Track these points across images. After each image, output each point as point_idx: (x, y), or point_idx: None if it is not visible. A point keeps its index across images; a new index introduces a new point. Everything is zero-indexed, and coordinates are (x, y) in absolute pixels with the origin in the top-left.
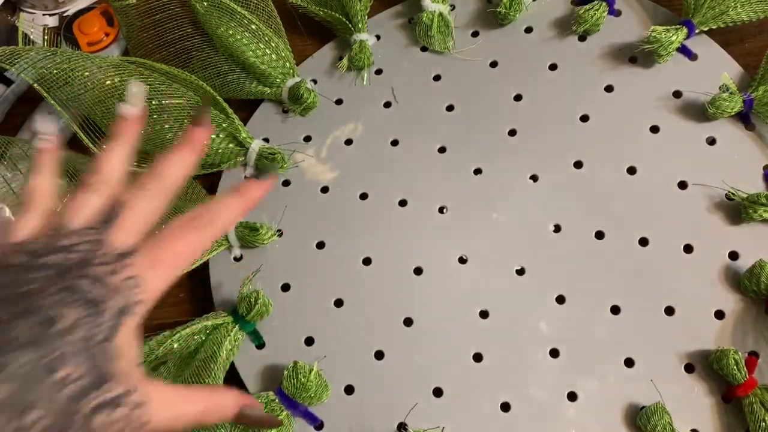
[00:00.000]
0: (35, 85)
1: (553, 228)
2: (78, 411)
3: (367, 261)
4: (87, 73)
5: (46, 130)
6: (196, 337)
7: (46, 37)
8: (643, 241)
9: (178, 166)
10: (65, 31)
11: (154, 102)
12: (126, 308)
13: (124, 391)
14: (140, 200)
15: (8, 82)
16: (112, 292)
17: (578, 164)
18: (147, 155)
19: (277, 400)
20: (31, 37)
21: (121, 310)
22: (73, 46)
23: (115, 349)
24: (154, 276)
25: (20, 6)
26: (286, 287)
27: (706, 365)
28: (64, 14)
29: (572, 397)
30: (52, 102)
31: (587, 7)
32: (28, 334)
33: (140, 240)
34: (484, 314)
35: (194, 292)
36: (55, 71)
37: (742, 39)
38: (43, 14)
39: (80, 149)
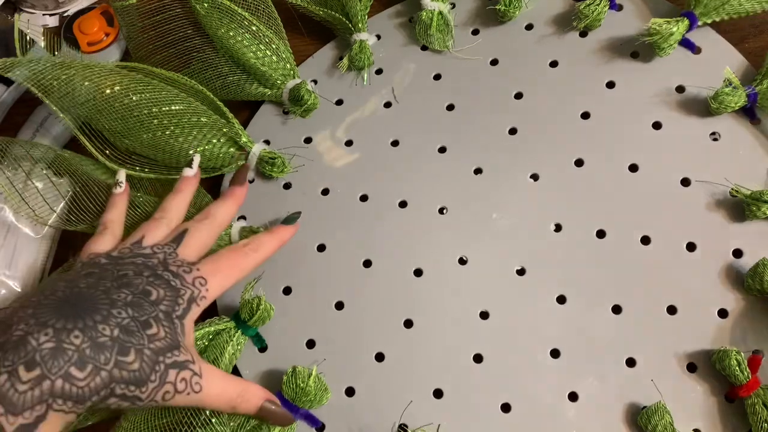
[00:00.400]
0: (37, 92)
1: (553, 227)
2: (159, 362)
3: (367, 263)
4: (87, 83)
5: (121, 179)
6: (199, 343)
7: (47, 36)
8: (645, 240)
9: (224, 210)
10: (65, 31)
11: (155, 109)
12: (195, 298)
13: (190, 358)
14: (199, 229)
15: (8, 83)
16: (187, 284)
17: (579, 162)
18: (152, 161)
19: None
20: (31, 37)
21: (192, 299)
22: (73, 47)
23: (185, 326)
24: (215, 281)
25: (20, 6)
26: (287, 290)
27: (708, 365)
28: (64, 14)
29: (573, 397)
30: (53, 108)
31: (588, 2)
32: (129, 299)
33: (201, 258)
34: (484, 315)
35: None
36: (55, 82)
37: (743, 39)
38: (43, 14)
39: (80, 150)
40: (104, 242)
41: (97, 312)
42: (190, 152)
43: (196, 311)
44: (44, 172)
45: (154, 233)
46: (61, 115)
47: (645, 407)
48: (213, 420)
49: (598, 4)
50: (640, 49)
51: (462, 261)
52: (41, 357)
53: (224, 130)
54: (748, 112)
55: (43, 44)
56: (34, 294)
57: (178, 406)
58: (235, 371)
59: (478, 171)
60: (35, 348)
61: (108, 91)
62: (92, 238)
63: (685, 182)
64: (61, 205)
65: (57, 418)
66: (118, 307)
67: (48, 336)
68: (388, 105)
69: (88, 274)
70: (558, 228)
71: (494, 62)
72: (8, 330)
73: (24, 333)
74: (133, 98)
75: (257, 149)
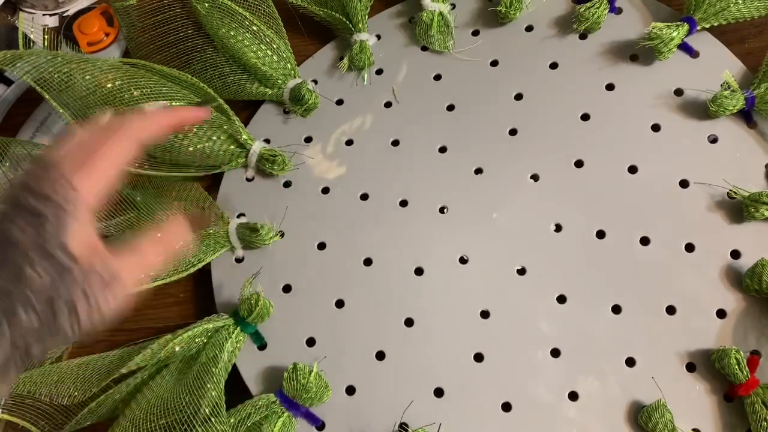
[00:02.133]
0: (37, 87)
1: (554, 227)
2: (56, 301)
3: (368, 261)
4: (88, 76)
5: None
6: (197, 340)
7: (46, 37)
8: (645, 240)
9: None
10: (65, 31)
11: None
12: (67, 213)
13: (91, 266)
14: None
15: (8, 83)
16: (50, 202)
17: (579, 163)
18: (151, 157)
19: (277, 402)
20: (31, 37)
21: (63, 214)
22: (73, 46)
23: (68, 244)
24: (87, 180)
25: (20, 6)
26: (287, 288)
27: (707, 364)
28: (64, 14)
29: (573, 396)
30: (52, 103)
31: (588, 5)
32: None
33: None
34: (485, 314)
35: (196, 293)
36: (56, 75)
37: (743, 39)
38: (43, 14)
39: None
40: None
41: None
42: (190, 149)
43: (75, 225)
44: None
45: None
46: (60, 110)
47: (645, 406)
48: (213, 419)
49: (598, 7)
50: (639, 53)
51: (463, 260)
52: None
53: (225, 127)
54: (746, 116)
55: (43, 44)
56: None
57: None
58: (235, 369)
59: (478, 171)
60: None
61: (109, 86)
62: None
63: (684, 184)
64: None
65: None
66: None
67: None
68: (388, 105)
69: None
70: (558, 228)
71: (494, 63)
72: None
73: None
74: (134, 93)
75: (257, 147)
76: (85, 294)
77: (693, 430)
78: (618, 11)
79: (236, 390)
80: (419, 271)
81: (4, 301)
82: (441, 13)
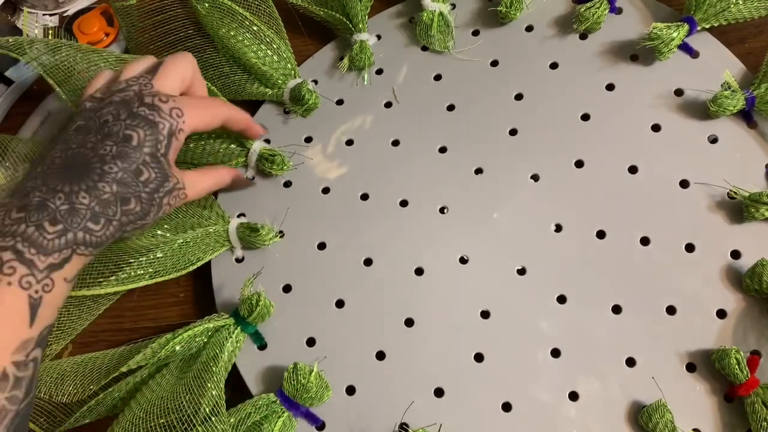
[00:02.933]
0: (44, 74)
1: (554, 228)
2: (155, 197)
3: (368, 261)
4: (93, 67)
5: None
6: (198, 339)
7: (47, 35)
8: (645, 241)
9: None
10: (65, 31)
11: None
12: (174, 131)
13: (177, 181)
14: (176, 61)
15: (8, 82)
16: (165, 116)
17: (579, 163)
18: None
19: (277, 402)
20: (32, 36)
21: (171, 132)
22: None
23: (170, 159)
24: (192, 113)
25: (20, 6)
26: (287, 288)
27: (707, 364)
28: (64, 14)
29: (573, 396)
30: (59, 90)
31: (588, 5)
32: (114, 150)
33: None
34: (485, 314)
35: (196, 293)
36: (61, 63)
37: (743, 39)
38: (43, 14)
39: None
40: (96, 83)
41: (92, 171)
42: (191, 145)
43: (176, 145)
44: None
45: (131, 69)
46: (68, 102)
47: (646, 406)
48: (213, 418)
49: (598, 7)
50: (639, 53)
51: (463, 260)
52: (61, 215)
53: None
54: (746, 116)
55: None
56: (39, 163)
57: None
58: (235, 369)
59: (478, 171)
60: (55, 209)
61: None
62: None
63: (684, 184)
64: None
65: (79, 260)
66: (108, 163)
67: (62, 200)
68: (388, 105)
69: (77, 129)
70: (558, 228)
71: (494, 63)
72: (26, 197)
73: (42, 198)
74: None
75: (257, 146)
76: (169, 197)
77: (693, 430)
78: (618, 11)
79: (236, 390)
80: (419, 271)
81: (123, 190)
82: (441, 13)
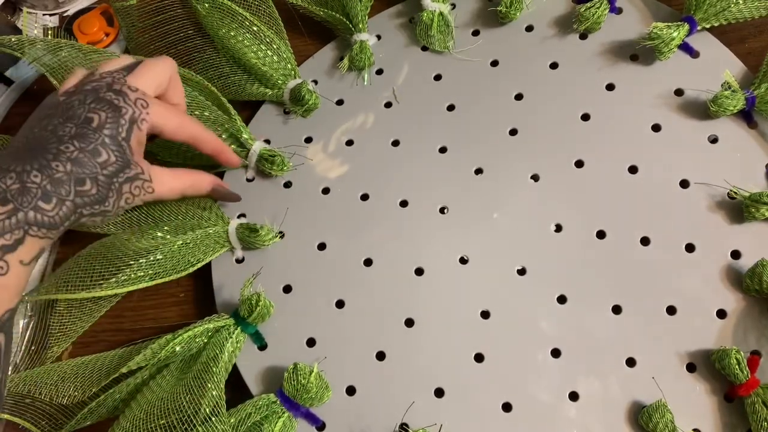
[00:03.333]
0: (46, 73)
1: (554, 228)
2: (114, 182)
3: (368, 262)
4: (90, 66)
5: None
6: (198, 340)
7: (47, 35)
8: (645, 241)
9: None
10: (65, 31)
11: None
12: (136, 119)
13: (140, 170)
14: (153, 62)
15: (8, 82)
16: (129, 102)
17: (579, 163)
18: (152, 154)
19: (278, 402)
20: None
21: (133, 119)
22: None
23: (132, 147)
24: (156, 109)
25: (20, 6)
26: (287, 288)
27: (707, 364)
28: (64, 14)
29: (573, 396)
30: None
31: (588, 4)
32: (73, 131)
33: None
34: (485, 314)
35: (196, 293)
36: (63, 64)
37: (743, 39)
38: (43, 14)
39: None
40: (70, 80)
41: (47, 151)
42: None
43: (139, 134)
44: None
45: (108, 64)
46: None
47: (646, 406)
48: (213, 419)
49: (598, 7)
50: (639, 52)
51: (463, 260)
52: (11, 195)
53: (226, 125)
54: (746, 116)
55: None
56: (2, 149)
57: (140, 204)
58: (235, 369)
59: (478, 171)
60: (5, 189)
61: None
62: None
63: (684, 184)
64: None
65: (34, 243)
66: (65, 142)
67: (12, 179)
68: (388, 105)
69: (44, 116)
70: (558, 228)
71: (494, 63)
72: None
73: None
74: None
75: (257, 147)
76: (131, 184)
77: (693, 430)
78: (618, 11)
79: (236, 390)
80: (419, 272)
81: (78, 170)
82: (441, 13)
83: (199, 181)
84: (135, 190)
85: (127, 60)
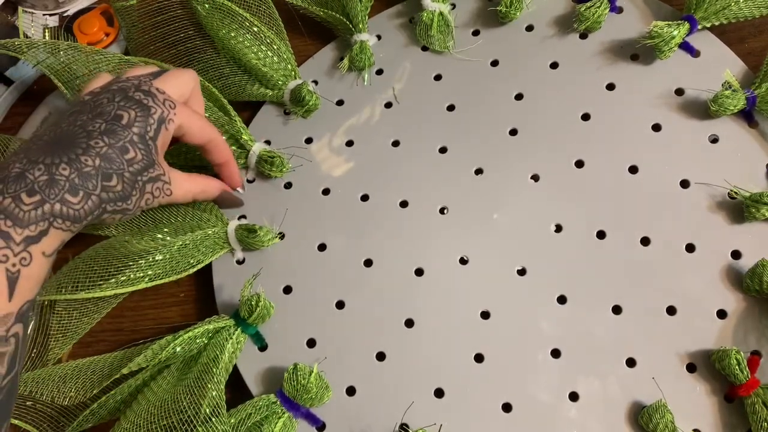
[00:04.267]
0: (50, 74)
1: (554, 228)
2: (138, 180)
3: (368, 262)
4: (93, 67)
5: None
6: (198, 341)
7: (47, 35)
8: (645, 241)
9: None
10: (65, 31)
11: None
12: (164, 119)
13: (162, 172)
14: (181, 73)
15: (9, 82)
16: (158, 102)
17: (579, 163)
18: None
19: (278, 402)
20: (32, 36)
21: (162, 119)
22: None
23: (158, 146)
24: (183, 111)
25: (20, 6)
26: (288, 289)
27: (708, 365)
28: (64, 14)
29: (574, 397)
30: (64, 90)
31: (588, 4)
32: (103, 127)
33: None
34: (485, 315)
35: (196, 293)
36: (65, 64)
37: (743, 39)
38: (43, 14)
39: None
40: (94, 82)
41: (77, 146)
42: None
43: (165, 135)
44: None
45: (134, 70)
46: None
47: (646, 406)
48: (214, 419)
49: (598, 7)
50: (640, 52)
51: (463, 261)
52: (39, 186)
53: (226, 127)
54: (747, 116)
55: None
56: (25, 142)
57: (156, 206)
58: (235, 370)
59: (479, 171)
60: (33, 180)
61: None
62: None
63: (685, 184)
64: None
65: (57, 235)
66: (94, 138)
67: (41, 171)
68: (388, 105)
69: (71, 113)
70: (558, 228)
71: (495, 63)
72: (6, 169)
73: (21, 170)
74: None
75: (257, 148)
76: (153, 184)
77: (693, 430)
78: (618, 10)
79: (237, 390)
80: (419, 272)
81: (106, 165)
82: (441, 13)
83: (210, 186)
84: (156, 191)
85: (153, 68)
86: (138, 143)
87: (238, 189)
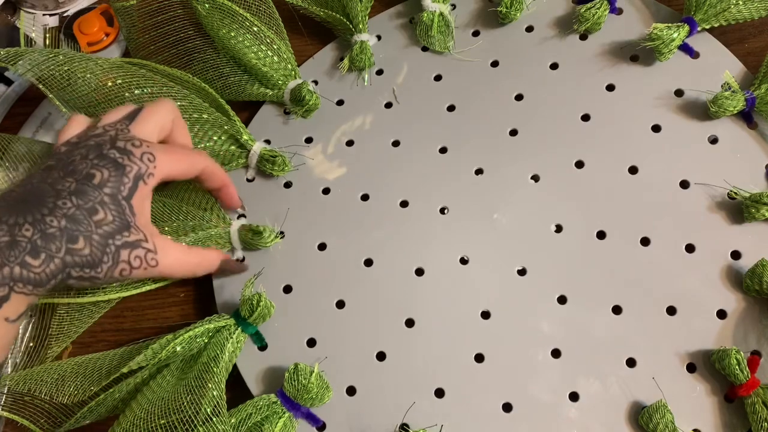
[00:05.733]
0: (39, 84)
1: (554, 228)
2: (109, 244)
3: (368, 262)
4: (89, 75)
5: None
6: (198, 340)
7: (48, 35)
8: (645, 241)
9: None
10: (65, 31)
11: None
12: (142, 175)
13: (143, 237)
14: (157, 110)
15: (8, 82)
16: (134, 159)
17: (579, 164)
18: None
19: (278, 402)
20: (32, 36)
21: (138, 176)
22: (73, 46)
23: (133, 206)
24: (165, 159)
25: (20, 6)
26: (288, 289)
27: (708, 365)
28: (64, 14)
29: (574, 397)
30: (55, 102)
31: (588, 5)
32: (73, 187)
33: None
34: (485, 315)
35: (196, 293)
36: (56, 73)
37: (742, 39)
38: (44, 14)
39: None
40: (70, 130)
41: (44, 205)
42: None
43: (144, 189)
44: None
45: (110, 115)
46: (63, 108)
47: (646, 406)
48: (214, 419)
49: (598, 8)
50: (640, 53)
51: (463, 261)
52: None
53: (225, 127)
54: (746, 116)
55: (44, 44)
56: None
57: (140, 279)
58: (235, 369)
59: (479, 171)
60: None
61: (110, 84)
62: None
63: (684, 184)
64: None
65: (20, 300)
66: (63, 198)
67: (3, 231)
68: (388, 105)
69: (44, 168)
70: (559, 229)
71: (495, 64)
72: None
73: None
74: (135, 92)
75: (258, 147)
76: (130, 252)
77: (694, 430)
78: (618, 12)
79: (237, 390)
80: (420, 272)
81: (72, 226)
82: (441, 14)
83: (209, 257)
84: (134, 261)
85: (128, 108)
86: (109, 204)
87: (238, 209)
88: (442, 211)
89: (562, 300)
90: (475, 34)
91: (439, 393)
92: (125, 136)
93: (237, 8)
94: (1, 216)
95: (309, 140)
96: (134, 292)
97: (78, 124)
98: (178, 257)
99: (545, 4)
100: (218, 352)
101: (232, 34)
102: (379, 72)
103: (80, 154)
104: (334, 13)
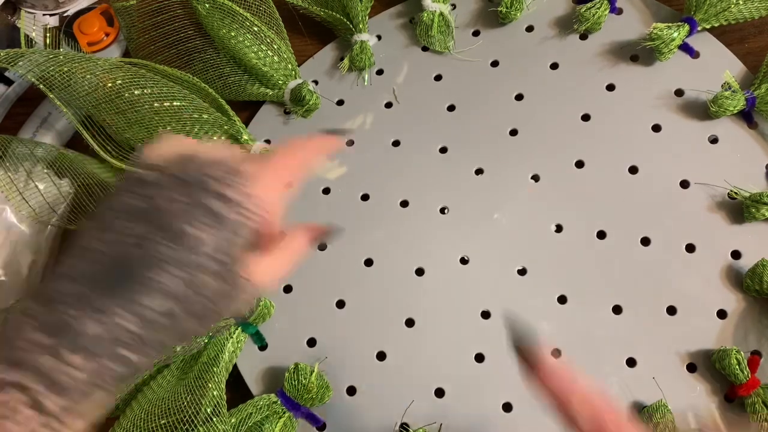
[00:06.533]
0: (39, 84)
1: (554, 228)
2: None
3: (368, 262)
4: (89, 75)
5: None
6: (198, 340)
7: (48, 35)
8: (645, 241)
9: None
10: (65, 31)
11: (156, 104)
12: (242, 228)
13: (245, 281)
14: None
15: (9, 82)
16: (235, 208)
17: (580, 164)
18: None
19: (278, 402)
20: (33, 36)
21: (236, 228)
22: (74, 46)
23: (239, 260)
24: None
25: (20, 6)
26: (288, 289)
27: (708, 365)
28: (64, 14)
29: None
30: (56, 101)
31: (588, 5)
32: (184, 276)
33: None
34: (485, 315)
35: None
36: (56, 74)
37: (743, 39)
38: (44, 14)
39: (82, 149)
40: (162, 147)
41: (149, 287)
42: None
43: (243, 242)
44: (45, 171)
45: (217, 152)
46: (65, 109)
47: (646, 406)
48: (214, 419)
49: (598, 8)
50: (640, 53)
51: (463, 261)
52: (89, 342)
53: (225, 127)
54: (746, 116)
55: (44, 44)
56: (75, 250)
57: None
58: (235, 369)
59: (479, 171)
60: (81, 333)
61: (110, 84)
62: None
63: (685, 184)
64: (63, 205)
65: (105, 394)
66: (173, 275)
67: (94, 320)
68: (388, 105)
69: (130, 213)
70: (559, 228)
71: (495, 64)
72: (49, 304)
73: (67, 315)
74: (135, 92)
75: (257, 147)
76: (228, 305)
77: (694, 430)
78: (618, 12)
79: (237, 390)
80: (420, 272)
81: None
82: (441, 14)
83: (300, 246)
84: (232, 310)
85: (238, 156)
86: (212, 265)
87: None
88: (442, 211)
89: (562, 300)
90: (475, 34)
91: (439, 393)
92: (224, 177)
93: (237, 8)
94: (90, 297)
95: None
96: None
97: (174, 143)
98: (274, 270)
99: (545, 4)
100: (218, 352)
101: (233, 34)
102: (380, 72)
103: (172, 199)
104: (334, 13)
